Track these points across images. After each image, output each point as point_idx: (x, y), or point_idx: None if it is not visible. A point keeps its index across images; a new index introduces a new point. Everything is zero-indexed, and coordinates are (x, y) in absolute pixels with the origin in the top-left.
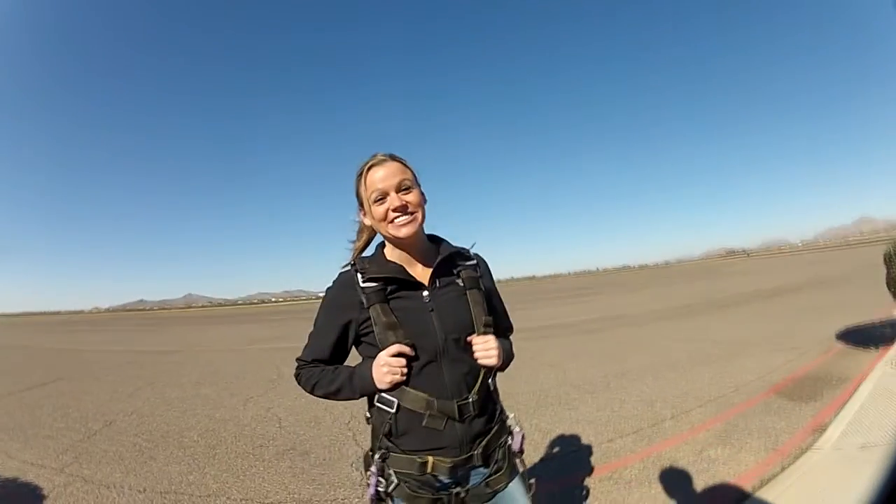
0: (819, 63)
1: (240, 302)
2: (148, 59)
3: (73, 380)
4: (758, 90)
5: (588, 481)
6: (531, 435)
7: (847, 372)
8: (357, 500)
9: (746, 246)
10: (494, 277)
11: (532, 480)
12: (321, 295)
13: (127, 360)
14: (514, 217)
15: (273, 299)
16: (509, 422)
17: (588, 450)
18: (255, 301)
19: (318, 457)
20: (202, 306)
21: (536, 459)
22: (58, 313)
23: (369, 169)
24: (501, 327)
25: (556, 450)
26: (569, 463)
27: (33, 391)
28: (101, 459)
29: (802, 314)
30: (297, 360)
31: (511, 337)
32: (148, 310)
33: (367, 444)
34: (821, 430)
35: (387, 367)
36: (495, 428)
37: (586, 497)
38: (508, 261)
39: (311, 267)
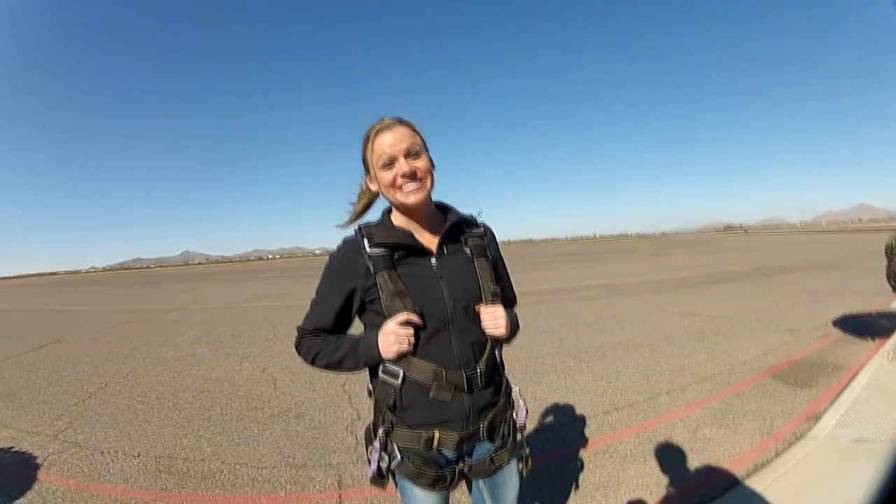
0: (828, 48)
1: (236, 259)
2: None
3: (69, 342)
4: (767, 71)
5: (583, 454)
6: (527, 404)
7: (843, 361)
8: (352, 465)
9: (744, 222)
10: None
11: (527, 454)
12: (317, 252)
13: (123, 319)
14: (514, 180)
15: (269, 256)
16: (514, 395)
17: (583, 421)
18: (252, 258)
19: (312, 419)
20: (199, 263)
21: (531, 429)
22: (54, 274)
23: (377, 133)
24: (506, 297)
25: (551, 419)
26: (564, 434)
27: (29, 354)
28: (96, 424)
29: (799, 296)
30: (298, 328)
31: (515, 304)
32: (145, 268)
33: (363, 407)
34: (815, 418)
35: (394, 335)
36: (501, 401)
37: (581, 470)
38: (506, 223)
39: (307, 225)
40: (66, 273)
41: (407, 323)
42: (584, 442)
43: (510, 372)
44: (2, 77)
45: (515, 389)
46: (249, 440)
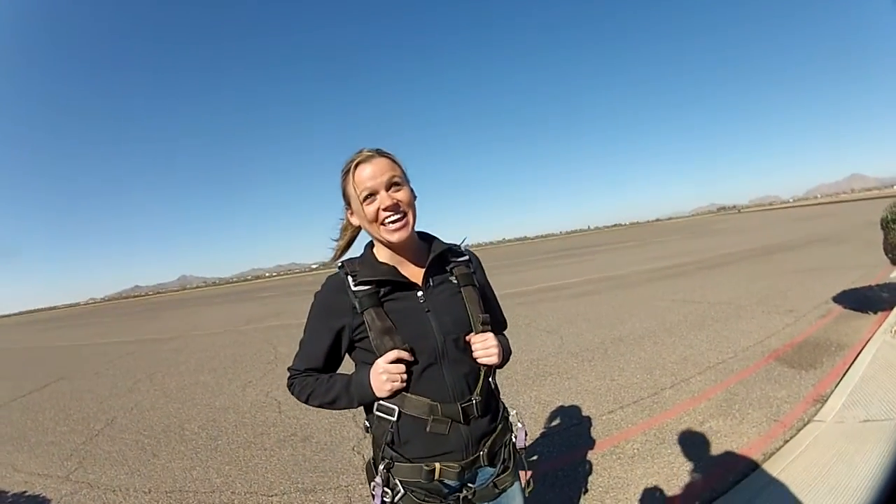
0: (814, 20)
1: (234, 280)
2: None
3: (73, 378)
4: (752, 48)
5: (590, 456)
6: (531, 407)
7: (846, 338)
8: (361, 486)
9: (737, 202)
10: (491, 240)
11: (529, 474)
12: (314, 267)
13: (125, 351)
14: (506, 179)
15: (267, 274)
16: (512, 418)
17: (589, 422)
18: (250, 278)
19: (319, 442)
20: (196, 287)
21: (538, 434)
22: (54, 308)
23: (356, 166)
24: (495, 322)
25: (556, 423)
26: (570, 437)
27: (34, 394)
28: (105, 462)
29: (798, 274)
30: (289, 369)
31: (505, 328)
32: (143, 296)
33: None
34: (822, 400)
35: (386, 374)
36: (499, 427)
37: (589, 473)
38: (500, 222)
39: (302, 240)
40: (66, 306)
41: (398, 360)
42: (590, 444)
43: (512, 376)
44: None
45: (513, 413)
46: (258, 468)
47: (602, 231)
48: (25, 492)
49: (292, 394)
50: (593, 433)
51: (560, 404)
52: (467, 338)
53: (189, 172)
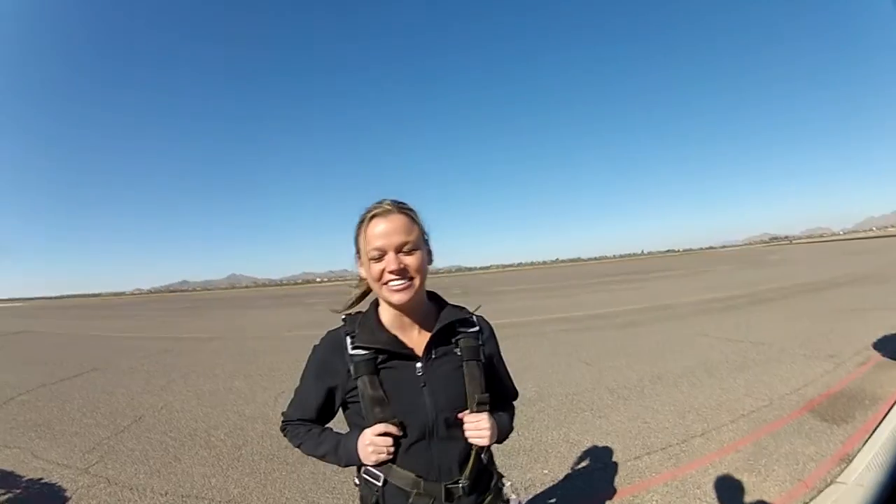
0: (865, 52)
1: (283, 282)
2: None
3: (107, 370)
4: (805, 77)
5: None
6: (558, 446)
7: (880, 391)
8: None
9: (789, 232)
10: (545, 259)
11: None
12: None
13: (164, 347)
14: (563, 199)
15: (318, 279)
16: (505, 490)
17: (613, 467)
18: (300, 281)
19: None
20: (245, 287)
21: (562, 476)
22: (98, 295)
23: (371, 219)
24: (502, 396)
25: (581, 465)
26: (592, 482)
27: (65, 382)
28: (127, 459)
29: (842, 314)
30: (283, 414)
31: (515, 398)
32: (190, 290)
33: None
34: (847, 460)
35: (372, 446)
36: (489, 498)
37: None
38: (554, 243)
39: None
40: (111, 294)
41: (386, 433)
42: (611, 491)
43: (545, 410)
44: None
45: (507, 484)
46: (276, 482)
47: (655, 256)
48: (41, 479)
49: (284, 436)
50: (616, 480)
51: (588, 445)
52: (460, 416)
53: (248, 172)
